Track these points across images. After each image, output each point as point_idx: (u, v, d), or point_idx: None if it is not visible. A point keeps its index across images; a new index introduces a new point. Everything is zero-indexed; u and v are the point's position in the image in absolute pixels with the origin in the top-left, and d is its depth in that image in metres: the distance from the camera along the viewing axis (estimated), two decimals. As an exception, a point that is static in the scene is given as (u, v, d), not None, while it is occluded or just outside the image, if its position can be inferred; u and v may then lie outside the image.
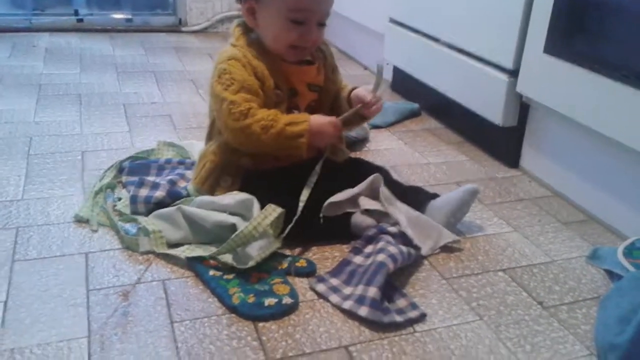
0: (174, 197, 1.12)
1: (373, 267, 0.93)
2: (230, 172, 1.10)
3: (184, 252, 0.99)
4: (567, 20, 1.21)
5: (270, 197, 1.02)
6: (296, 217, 0.98)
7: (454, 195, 1.11)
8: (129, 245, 1.02)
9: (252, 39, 1.09)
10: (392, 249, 0.96)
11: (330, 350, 0.81)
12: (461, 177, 1.38)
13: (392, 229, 1.03)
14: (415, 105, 1.78)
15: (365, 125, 1.56)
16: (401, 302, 0.91)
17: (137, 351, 0.79)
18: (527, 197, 1.30)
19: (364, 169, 1.15)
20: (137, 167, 1.26)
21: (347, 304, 0.88)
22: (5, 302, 0.87)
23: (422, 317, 0.88)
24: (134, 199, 1.11)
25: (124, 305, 0.87)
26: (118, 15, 2.68)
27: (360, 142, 1.53)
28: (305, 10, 1.03)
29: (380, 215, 1.07)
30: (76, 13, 2.60)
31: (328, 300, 0.91)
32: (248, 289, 0.91)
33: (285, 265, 0.98)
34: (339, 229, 1.07)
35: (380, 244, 0.99)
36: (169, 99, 1.80)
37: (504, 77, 1.38)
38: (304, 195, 1.01)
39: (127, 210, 1.11)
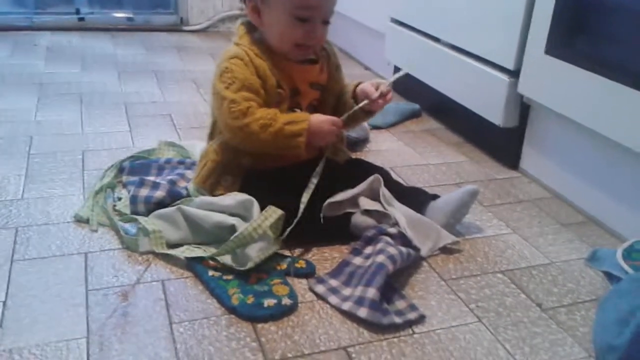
0: (174, 197, 1.12)
1: (372, 268, 0.93)
2: (231, 172, 1.10)
3: (183, 252, 0.99)
4: (568, 21, 1.21)
5: (271, 196, 1.02)
6: (296, 220, 0.98)
7: (454, 196, 1.11)
8: (129, 245, 1.02)
9: (255, 38, 1.09)
10: (392, 250, 0.97)
11: (329, 352, 0.81)
12: (461, 178, 1.38)
13: (392, 230, 1.04)
14: (416, 106, 1.78)
15: (366, 125, 1.56)
16: (400, 304, 0.91)
17: (136, 352, 0.79)
18: (526, 198, 1.30)
19: (364, 170, 1.15)
20: (137, 166, 1.26)
21: (347, 305, 0.89)
22: (5, 302, 0.87)
23: (421, 319, 0.89)
24: (134, 199, 1.11)
25: (123, 306, 0.88)
26: (119, 14, 2.68)
27: (360, 143, 1.53)
28: (311, 7, 1.03)
29: (380, 216, 1.07)
30: (77, 12, 2.61)
31: (327, 302, 0.91)
32: (247, 289, 0.91)
33: (284, 266, 0.98)
34: (339, 229, 1.07)
35: (380, 245, 0.99)
36: (170, 98, 1.80)
37: (504, 78, 1.38)
38: (305, 197, 1.01)
39: (127, 210, 1.11)
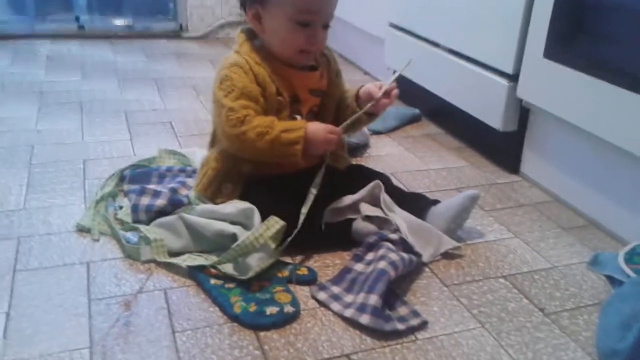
0: (175, 205, 1.12)
1: (374, 274, 0.93)
2: (232, 179, 1.10)
3: (185, 260, 0.99)
4: (566, 24, 1.21)
5: (271, 204, 1.02)
6: (296, 231, 0.99)
7: (455, 201, 1.11)
8: (131, 254, 1.02)
9: (255, 45, 1.10)
10: (393, 256, 0.97)
11: (332, 359, 0.81)
12: (461, 182, 1.38)
13: (393, 236, 1.04)
14: (416, 111, 1.78)
15: (366, 131, 1.56)
16: (402, 310, 0.91)
17: (139, 361, 0.79)
18: (527, 202, 1.30)
19: (365, 175, 1.15)
20: (138, 175, 1.26)
21: (349, 312, 0.89)
22: (8, 313, 0.87)
23: (423, 325, 0.89)
24: (135, 208, 1.11)
25: (125, 315, 0.88)
26: (119, 21, 2.69)
27: (360, 148, 1.54)
28: (312, 12, 1.03)
29: (381, 222, 1.07)
30: (77, 19, 2.62)
31: (329, 309, 0.91)
32: (249, 297, 0.91)
33: (286, 273, 0.98)
34: (340, 236, 1.07)
35: (381, 251, 0.99)
36: (170, 105, 1.80)
37: (504, 82, 1.39)
38: (305, 208, 1.01)
39: (129, 219, 1.11)
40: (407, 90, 1.74)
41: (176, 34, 2.71)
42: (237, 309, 0.88)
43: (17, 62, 2.18)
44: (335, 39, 2.43)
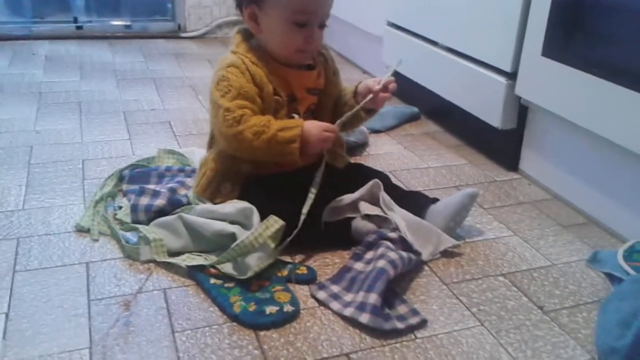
0: (174, 205, 1.12)
1: (374, 273, 0.93)
2: (230, 179, 1.10)
3: (184, 260, 0.99)
4: (564, 23, 1.21)
5: (270, 203, 1.02)
6: (295, 231, 0.99)
7: (454, 199, 1.11)
8: (130, 254, 1.02)
9: (252, 45, 1.10)
10: (393, 255, 0.97)
11: (332, 358, 0.81)
12: (461, 180, 1.38)
13: (392, 235, 1.04)
14: (415, 109, 1.78)
15: (365, 129, 1.56)
16: (402, 308, 0.91)
17: (138, 361, 0.79)
18: (526, 200, 1.30)
19: (364, 174, 1.15)
20: (137, 175, 1.26)
21: (348, 311, 0.89)
22: (7, 314, 0.87)
23: (423, 323, 0.89)
24: (134, 208, 1.11)
25: (125, 315, 0.88)
26: (117, 22, 2.68)
27: (359, 147, 1.54)
28: (308, 12, 1.03)
29: (380, 221, 1.07)
30: (75, 20, 2.61)
31: (329, 308, 0.91)
32: (249, 297, 0.91)
33: (285, 272, 0.98)
34: (340, 234, 1.07)
35: (381, 250, 0.99)
36: (169, 105, 1.80)
37: (502, 80, 1.39)
38: (305, 209, 1.01)
39: (128, 219, 1.11)
40: (406, 88, 1.74)
41: (174, 34, 2.71)
42: (236, 309, 0.88)
43: (16, 62, 2.18)
44: (333, 37, 2.44)
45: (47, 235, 1.08)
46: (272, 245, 0.97)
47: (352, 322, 0.88)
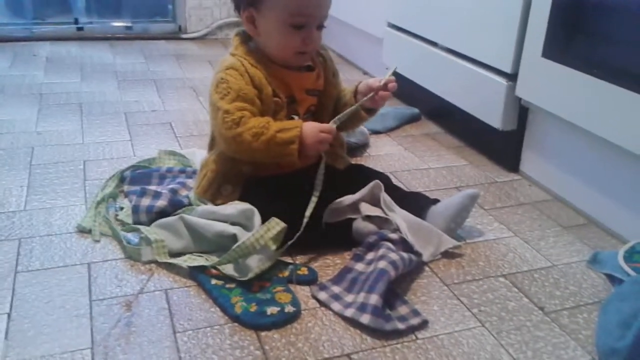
0: (175, 206, 1.13)
1: (374, 274, 0.93)
2: (231, 181, 1.10)
3: (185, 261, 0.99)
4: (564, 24, 1.22)
5: (271, 204, 1.03)
6: (298, 234, 0.99)
7: (454, 200, 1.11)
8: (132, 255, 1.02)
9: (251, 47, 1.10)
10: (393, 256, 0.97)
11: (333, 359, 0.81)
12: (461, 181, 1.39)
13: (393, 236, 1.04)
14: (415, 110, 1.78)
15: (365, 130, 1.57)
16: (403, 309, 0.91)
17: (140, 362, 0.79)
18: (527, 201, 1.30)
19: (365, 175, 1.16)
20: (138, 176, 1.26)
21: (349, 312, 0.89)
22: (9, 314, 0.88)
23: (423, 324, 0.89)
24: (136, 209, 1.11)
25: (127, 316, 0.88)
26: (118, 23, 2.69)
27: (360, 148, 1.54)
28: (305, 14, 1.04)
29: (381, 222, 1.08)
30: (76, 22, 2.62)
31: (330, 308, 0.91)
32: (250, 297, 0.91)
33: (286, 273, 0.98)
34: (341, 235, 1.07)
35: (382, 251, 0.99)
36: (170, 106, 1.81)
37: (502, 81, 1.39)
38: (308, 212, 1.01)
39: (129, 220, 1.11)
40: (407, 90, 1.74)
41: (175, 35, 2.71)
42: (238, 309, 0.88)
43: (17, 64, 2.19)
44: (334, 38, 2.45)
45: (49, 236, 1.08)
46: (273, 247, 0.97)
47: (353, 322, 0.88)
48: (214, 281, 0.95)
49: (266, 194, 1.06)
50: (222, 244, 1.00)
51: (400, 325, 0.87)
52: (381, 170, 1.26)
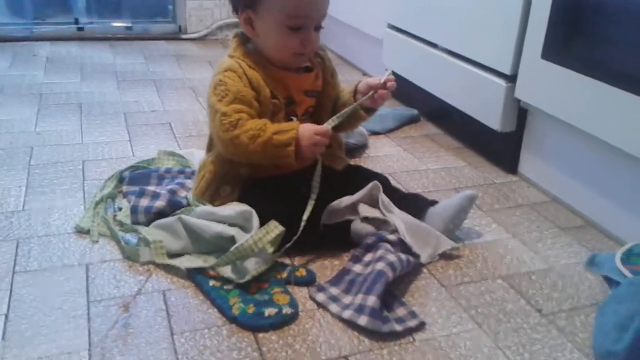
0: (174, 206, 1.13)
1: (372, 275, 0.93)
2: (229, 182, 1.10)
3: (183, 262, 0.99)
4: (564, 25, 1.22)
5: (268, 206, 1.03)
6: (296, 237, 0.99)
7: (453, 201, 1.11)
8: (130, 256, 1.02)
9: (249, 48, 1.10)
10: (391, 257, 0.97)
11: (330, 360, 0.82)
12: (460, 183, 1.39)
13: (391, 237, 1.04)
14: (414, 111, 1.78)
15: (364, 131, 1.57)
16: (400, 311, 0.91)
17: (137, 363, 0.80)
18: (525, 202, 1.31)
19: (363, 176, 1.16)
20: (137, 176, 1.27)
21: (347, 314, 0.89)
22: (7, 315, 0.88)
23: (421, 326, 0.89)
24: (134, 209, 1.11)
25: (124, 317, 0.88)
26: (118, 24, 2.69)
27: (359, 149, 1.54)
28: (302, 16, 1.03)
29: (379, 223, 1.08)
30: (76, 22, 2.62)
31: (328, 310, 0.91)
32: (248, 299, 0.91)
33: (284, 274, 0.99)
34: (339, 237, 1.07)
35: (380, 252, 0.99)
36: (169, 107, 1.81)
37: (502, 83, 1.39)
38: (305, 215, 1.01)
39: (128, 220, 1.11)
40: (406, 91, 1.75)
41: (175, 36, 2.71)
42: (235, 311, 0.88)
43: (17, 64, 2.19)
44: (333, 39, 2.45)
45: (47, 237, 1.08)
46: (271, 250, 0.97)
47: (350, 324, 0.88)
48: (212, 282, 0.95)
49: (264, 195, 1.06)
50: (220, 245, 1.00)
51: (398, 327, 0.87)
52: (380, 171, 1.26)
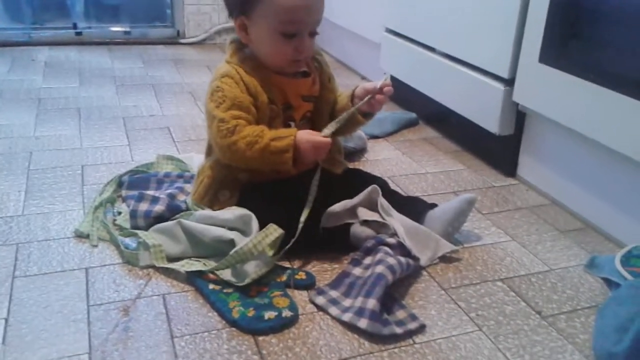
0: (173, 211, 1.13)
1: (372, 278, 0.93)
2: (228, 186, 1.10)
3: (183, 266, 0.99)
4: (561, 29, 1.22)
5: (267, 210, 1.03)
6: (294, 239, 0.99)
7: (452, 204, 1.11)
8: (129, 260, 1.02)
9: (246, 54, 1.10)
10: (391, 260, 0.97)
11: (330, 363, 0.82)
12: (459, 186, 1.39)
13: (391, 240, 1.04)
14: (413, 115, 1.79)
15: (363, 135, 1.57)
16: (400, 314, 0.91)
17: (138, 367, 0.79)
18: (524, 205, 1.31)
19: (362, 180, 1.16)
20: (136, 181, 1.27)
21: (347, 316, 0.89)
22: (7, 319, 0.87)
23: (421, 329, 0.89)
24: (133, 213, 1.11)
25: (124, 321, 0.88)
26: (116, 28, 2.69)
27: (358, 153, 1.54)
28: (296, 22, 1.03)
29: (378, 226, 1.08)
30: (75, 26, 2.62)
31: (328, 313, 0.91)
32: (248, 302, 0.91)
33: (284, 277, 0.98)
34: (338, 240, 1.07)
35: (379, 255, 0.99)
36: (168, 111, 1.81)
37: (500, 86, 1.39)
38: (303, 216, 1.01)
39: (127, 225, 1.11)
40: (404, 94, 1.75)
41: (173, 40, 2.72)
42: (235, 314, 0.88)
43: (15, 69, 2.19)
44: (331, 44, 2.45)
45: (47, 241, 1.08)
46: (270, 253, 0.97)
47: (350, 327, 0.88)
48: (211, 286, 0.95)
49: (263, 200, 1.06)
50: (219, 249, 1.00)
51: (398, 330, 0.87)
52: (379, 175, 1.26)
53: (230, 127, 1.02)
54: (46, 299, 0.92)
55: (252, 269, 0.96)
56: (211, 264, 0.99)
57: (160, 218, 1.10)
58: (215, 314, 0.90)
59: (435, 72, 1.66)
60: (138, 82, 2.10)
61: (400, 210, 1.11)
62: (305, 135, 1.02)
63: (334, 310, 0.91)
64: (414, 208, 1.14)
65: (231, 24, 1.07)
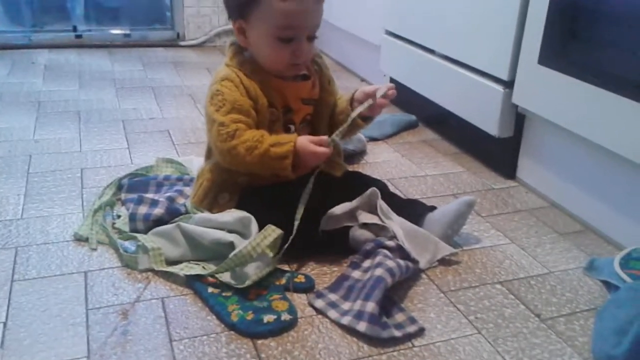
0: (172, 214, 1.13)
1: (371, 281, 0.93)
2: (227, 189, 1.10)
3: (182, 269, 0.99)
4: (560, 31, 1.22)
5: (266, 214, 1.02)
6: (291, 238, 0.99)
7: (451, 207, 1.11)
8: (128, 263, 1.02)
9: (245, 57, 1.10)
10: (390, 263, 0.97)
11: (329, 367, 0.82)
12: (458, 188, 1.39)
13: (390, 243, 1.04)
14: (412, 117, 1.79)
15: (363, 137, 1.57)
16: (399, 317, 0.91)
17: (136, 370, 0.79)
18: (524, 208, 1.31)
19: (362, 182, 1.16)
20: (136, 184, 1.27)
21: (346, 320, 0.89)
22: (5, 323, 0.87)
23: (420, 332, 0.89)
24: (133, 217, 1.11)
25: (123, 324, 0.88)
26: (116, 31, 2.70)
27: (357, 155, 1.54)
28: (293, 27, 1.03)
29: (378, 229, 1.08)
30: (75, 29, 2.62)
31: (327, 316, 0.91)
32: (247, 305, 0.91)
33: (283, 281, 0.98)
34: (338, 243, 1.07)
35: (378, 258, 0.99)
36: (168, 114, 1.81)
37: (499, 89, 1.39)
38: (299, 213, 1.01)
39: (126, 228, 1.11)
40: (404, 97, 1.75)
41: (173, 43, 2.72)
42: (234, 317, 0.88)
43: (15, 71, 2.19)
44: (331, 46, 2.45)
45: (46, 245, 1.08)
46: (270, 254, 0.97)
47: (349, 330, 0.88)
48: (210, 289, 0.95)
49: (262, 204, 1.06)
50: (219, 252, 1.00)
51: (397, 333, 0.87)
52: (378, 178, 1.26)
53: (230, 131, 1.02)
54: (45, 303, 0.92)
55: (252, 271, 0.96)
56: (210, 267, 0.99)
57: (160, 221, 1.10)
58: (214, 317, 0.90)
59: (435, 74, 1.66)
60: (138, 84, 2.10)
61: (399, 212, 1.11)
62: (305, 143, 1.02)
63: (333, 314, 0.91)
64: (414, 211, 1.14)
65: (231, 26, 1.07)
